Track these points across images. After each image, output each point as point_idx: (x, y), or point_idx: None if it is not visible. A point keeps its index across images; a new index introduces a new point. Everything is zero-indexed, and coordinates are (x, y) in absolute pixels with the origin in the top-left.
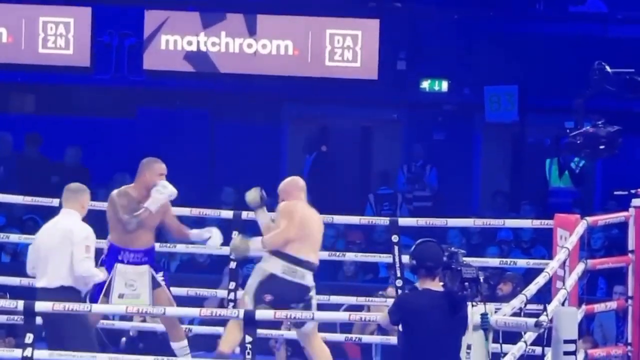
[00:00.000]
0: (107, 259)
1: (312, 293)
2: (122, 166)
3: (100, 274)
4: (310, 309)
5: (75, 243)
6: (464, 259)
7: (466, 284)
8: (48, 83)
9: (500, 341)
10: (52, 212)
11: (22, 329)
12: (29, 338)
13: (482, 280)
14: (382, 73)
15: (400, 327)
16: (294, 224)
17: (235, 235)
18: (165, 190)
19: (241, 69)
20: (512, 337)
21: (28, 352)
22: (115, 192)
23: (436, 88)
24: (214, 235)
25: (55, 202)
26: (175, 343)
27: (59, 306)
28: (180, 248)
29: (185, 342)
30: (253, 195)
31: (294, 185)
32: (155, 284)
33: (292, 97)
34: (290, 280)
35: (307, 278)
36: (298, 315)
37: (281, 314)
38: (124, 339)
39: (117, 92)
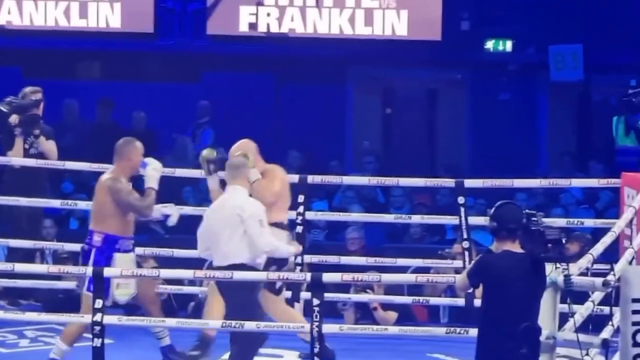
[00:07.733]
0: (104, 249)
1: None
2: (187, 131)
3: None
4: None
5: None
6: (544, 219)
7: (549, 245)
8: (113, 50)
9: (569, 301)
10: None
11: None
12: (99, 304)
13: (564, 241)
14: (446, 34)
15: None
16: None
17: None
18: (159, 167)
19: (306, 32)
20: (579, 297)
21: (98, 317)
22: (109, 177)
23: (500, 48)
24: (174, 213)
25: None
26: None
27: (127, 272)
28: None
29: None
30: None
31: (253, 148)
32: None
33: (356, 59)
34: None
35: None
36: (365, 278)
37: (348, 277)
38: (192, 304)
39: (181, 57)
